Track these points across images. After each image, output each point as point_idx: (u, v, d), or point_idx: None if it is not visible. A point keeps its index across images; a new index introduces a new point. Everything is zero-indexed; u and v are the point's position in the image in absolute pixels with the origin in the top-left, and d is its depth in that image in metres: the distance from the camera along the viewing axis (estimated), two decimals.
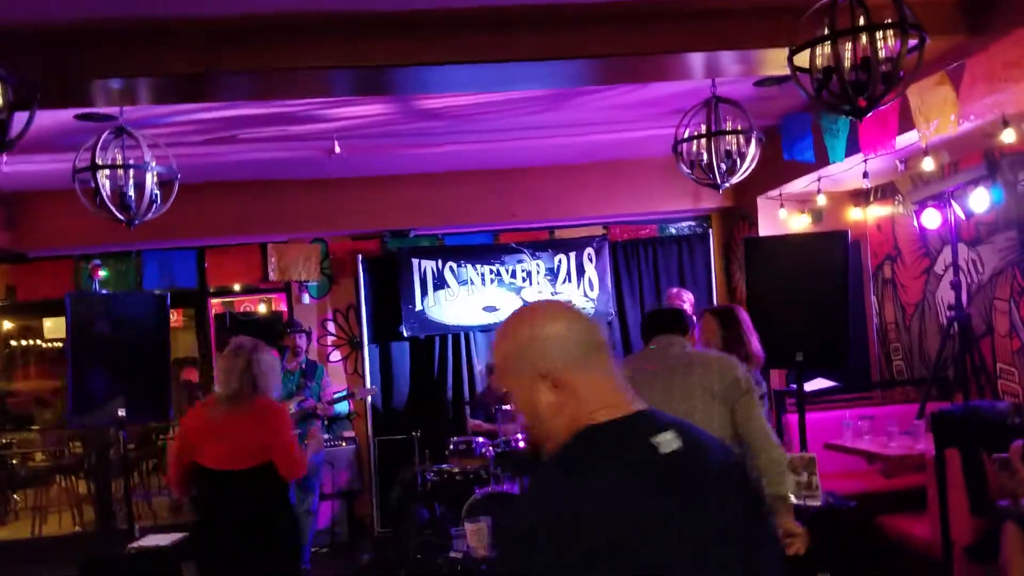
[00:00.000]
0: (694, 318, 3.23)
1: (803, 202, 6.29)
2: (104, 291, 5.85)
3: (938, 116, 3.92)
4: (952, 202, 4.97)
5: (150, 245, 6.40)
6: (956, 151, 4.96)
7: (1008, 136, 3.91)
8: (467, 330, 6.82)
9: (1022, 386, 4.76)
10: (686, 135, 4.30)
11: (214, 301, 7.07)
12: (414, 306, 6.68)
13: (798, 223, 6.31)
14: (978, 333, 5.09)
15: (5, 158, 3.63)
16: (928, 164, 4.50)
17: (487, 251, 6.84)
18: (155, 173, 3.70)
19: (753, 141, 4.18)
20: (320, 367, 6.28)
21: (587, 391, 1.33)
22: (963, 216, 4.98)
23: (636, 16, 3.68)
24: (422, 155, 5.96)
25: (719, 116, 4.20)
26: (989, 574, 3.44)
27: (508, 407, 5.60)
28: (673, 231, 7.22)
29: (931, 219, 5.06)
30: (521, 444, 5.59)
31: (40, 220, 6.12)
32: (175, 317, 8.67)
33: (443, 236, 6.99)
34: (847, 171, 5.42)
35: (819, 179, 5.65)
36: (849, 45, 2.90)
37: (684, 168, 4.38)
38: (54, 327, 9.27)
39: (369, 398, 6.63)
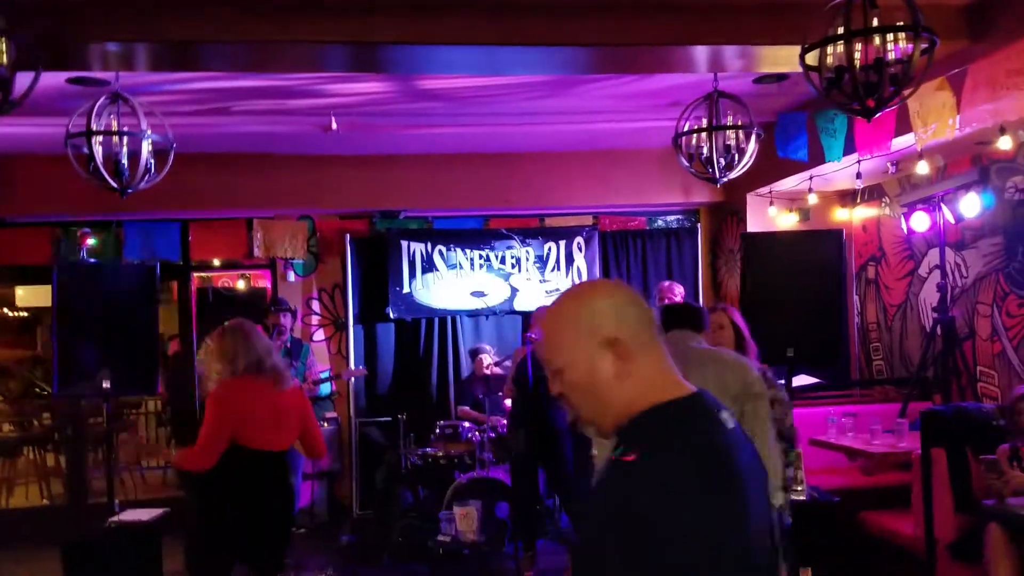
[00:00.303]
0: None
1: (792, 200, 6.35)
2: (92, 260, 5.72)
3: (936, 120, 3.96)
4: (942, 206, 5.05)
5: (132, 216, 6.26)
6: (945, 156, 5.03)
7: (1004, 143, 3.97)
8: (454, 314, 6.80)
9: (1001, 389, 4.86)
10: (686, 128, 4.31)
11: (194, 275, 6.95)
12: (402, 288, 6.63)
13: (786, 221, 6.36)
14: (960, 336, 5.18)
15: None
16: (923, 167, 4.56)
17: (477, 236, 6.81)
18: (151, 141, 3.61)
19: (753, 137, 4.20)
20: (306, 346, 6.23)
21: (648, 366, 1.31)
22: (952, 220, 5.06)
23: (641, 6, 3.67)
24: (418, 136, 5.90)
25: (720, 111, 4.22)
26: (971, 572, 3.52)
27: (499, 394, 5.61)
28: (662, 224, 7.24)
29: (920, 222, 5.14)
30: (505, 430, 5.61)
31: (20, 185, 5.96)
32: None
33: (432, 219, 6.94)
34: (838, 171, 5.47)
35: (811, 178, 5.69)
36: (859, 46, 2.93)
37: (683, 161, 4.39)
38: (26, 295, 9.06)
39: (352, 380, 6.59)
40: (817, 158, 5.19)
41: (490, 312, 6.81)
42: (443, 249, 6.70)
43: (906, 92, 2.99)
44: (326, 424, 6.50)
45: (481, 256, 6.74)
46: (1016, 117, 3.90)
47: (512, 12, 3.60)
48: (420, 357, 6.79)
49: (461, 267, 6.72)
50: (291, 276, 6.71)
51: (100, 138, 3.52)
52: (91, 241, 5.84)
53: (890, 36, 2.91)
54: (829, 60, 3.00)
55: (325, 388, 6.37)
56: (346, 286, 6.75)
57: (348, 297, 6.73)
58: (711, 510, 1.17)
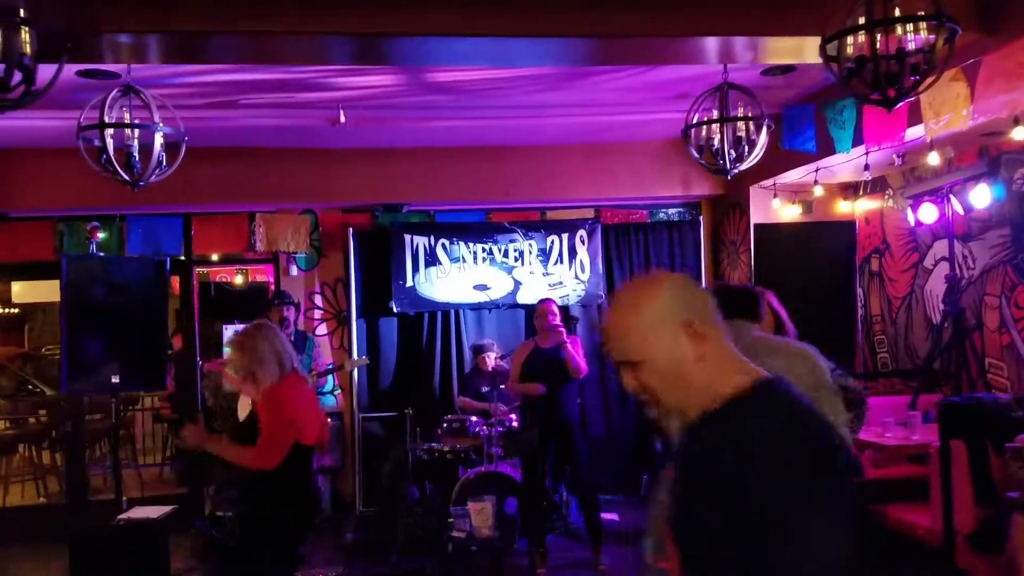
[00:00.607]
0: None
1: (795, 192, 6.35)
2: (101, 254, 5.64)
3: (950, 111, 3.96)
4: (951, 198, 5.05)
5: (135, 210, 6.19)
6: (953, 148, 5.03)
7: (1018, 134, 3.97)
8: (458, 307, 6.77)
9: (1010, 380, 4.88)
10: (695, 120, 4.30)
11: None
12: (405, 282, 6.60)
13: (789, 213, 6.36)
14: (968, 327, 5.19)
15: None
16: (934, 159, 4.56)
17: (480, 229, 6.78)
18: (163, 134, 3.57)
19: (764, 128, 4.20)
20: (310, 339, 6.19)
21: (720, 347, 1.33)
22: (961, 212, 5.07)
23: None
24: (422, 129, 5.86)
25: (729, 102, 4.20)
26: (991, 563, 3.53)
27: (503, 386, 5.57)
28: (663, 216, 7.23)
29: (928, 214, 5.14)
30: (515, 424, 5.59)
31: (22, 179, 5.88)
32: None
33: (434, 213, 6.90)
34: (844, 163, 5.47)
35: (816, 170, 5.70)
36: (879, 36, 2.92)
37: (693, 153, 4.38)
38: (23, 291, 8.95)
39: (355, 372, 6.55)
40: (824, 150, 5.19)
41: (493, 305, 6.78)
42: (446, 242, 6.67)
43: (928, 82, 2.98)
44: (329, 420, 6.47)
45: (484, 249, 6.72)
46: None
47: (522, 3, 3.58)
48: (423, 351, 6.76)
49: (464, 260, 6.69)
50: (294, 270, 6.67)
51: (112, 131, 3.47)
52: (101, 235, 5.76)
53: (910, 26, 2.90)
54: (849, 50, 2.99)
55: (329, 383, 6.33)
56: (348, 280, 6.71)
57: (351, 291, 6.69)
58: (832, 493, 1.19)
